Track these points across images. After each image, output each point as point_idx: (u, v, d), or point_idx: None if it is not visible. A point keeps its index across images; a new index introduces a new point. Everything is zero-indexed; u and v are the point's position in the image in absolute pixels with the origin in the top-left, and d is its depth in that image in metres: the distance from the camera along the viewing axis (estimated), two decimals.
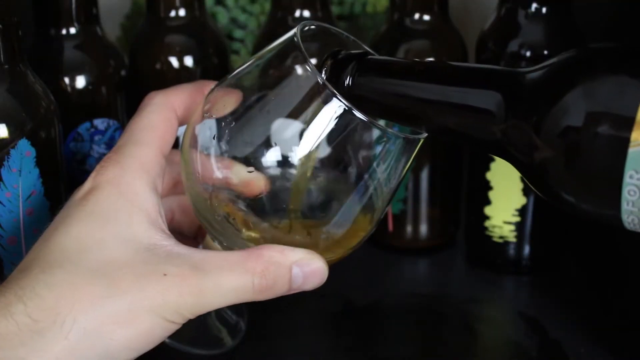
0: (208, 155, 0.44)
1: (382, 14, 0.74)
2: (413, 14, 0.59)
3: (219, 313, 0.52)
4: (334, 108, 0.40)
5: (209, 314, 0.51)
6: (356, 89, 0.41)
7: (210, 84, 0.44)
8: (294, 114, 0.42)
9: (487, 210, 0.59)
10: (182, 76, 0.59)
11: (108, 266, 0.37)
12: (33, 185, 0.47)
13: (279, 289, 0.39)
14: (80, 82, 0.55)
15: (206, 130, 0.43)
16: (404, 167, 0.43)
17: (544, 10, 0.55)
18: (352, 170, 0.44)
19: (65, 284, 0.35)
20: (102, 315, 0.35)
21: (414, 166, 0.60)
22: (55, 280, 0.36)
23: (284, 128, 0.43)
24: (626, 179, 0.33)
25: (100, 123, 0.55)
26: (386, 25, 0.61)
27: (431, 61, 0.59)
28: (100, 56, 0.56)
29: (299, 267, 0.40)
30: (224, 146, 0.44)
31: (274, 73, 0.42)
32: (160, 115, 0.43)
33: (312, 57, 0.41)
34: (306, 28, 0.43)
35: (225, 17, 0.72)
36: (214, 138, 0.43)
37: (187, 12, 0.59)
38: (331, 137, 0.41)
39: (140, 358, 0.37)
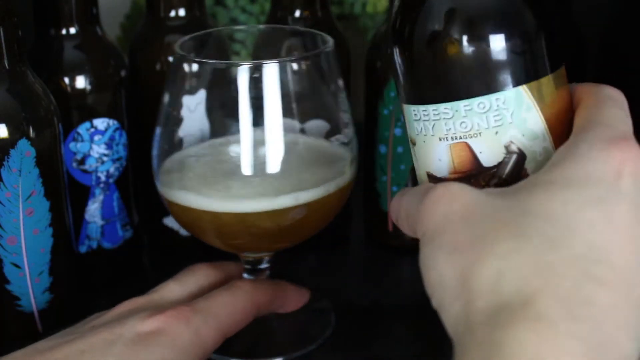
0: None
1: (382, 14, 0.74)
2: None
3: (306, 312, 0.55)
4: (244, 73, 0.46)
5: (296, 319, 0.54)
6: None
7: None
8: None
9: None
10: None
11: None
12: (33, 185, 0.47)
13: None
14: (80, 82, 0.55)
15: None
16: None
17: None
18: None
19: None
20: None
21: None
22: None
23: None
24: None
25: (100, 123, 0.55)
26: (386, 25, 0.61)
27: None
28: (100, 56, 0.56)
29: None
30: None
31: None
32: None
33: None
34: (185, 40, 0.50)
35: (225, 17, 0.72)
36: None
37: (187, 12, 0.59)
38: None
39: None
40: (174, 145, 0.50)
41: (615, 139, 0.34)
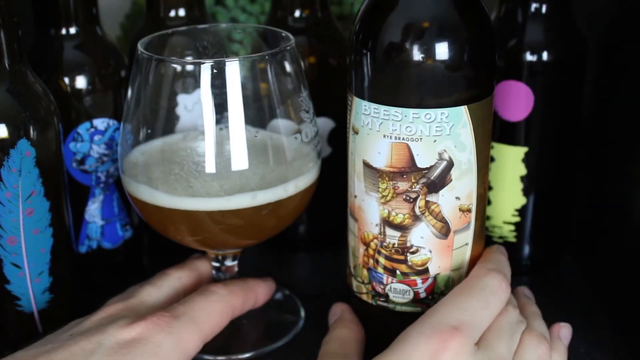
0: None
1: None
2: None
3: (274, 306, 0.55)
4: (207, 71, 0.47)
5: (265, 311, 0.54)
6: None
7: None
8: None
9: (487, 210, 0.59)
10: None
11: None
12: (33, 185, 0.47)
13: None
14: (80, 82, 0.55)
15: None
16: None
17: (544, 10, 0.55)
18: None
19: None
20: None
21: None
22: None
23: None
24: None
25: (100, 123, 0.56)
26: None
27: None
28: (100, 56, 0.56)
29: None
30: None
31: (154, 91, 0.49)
32: None
33: None
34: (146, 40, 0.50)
35: (225, 17, 0.72)
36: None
37: (187, 12, 0.59)
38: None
39: None
40: (138, 140, 0.50)
41: (443, 330, 0.40)
